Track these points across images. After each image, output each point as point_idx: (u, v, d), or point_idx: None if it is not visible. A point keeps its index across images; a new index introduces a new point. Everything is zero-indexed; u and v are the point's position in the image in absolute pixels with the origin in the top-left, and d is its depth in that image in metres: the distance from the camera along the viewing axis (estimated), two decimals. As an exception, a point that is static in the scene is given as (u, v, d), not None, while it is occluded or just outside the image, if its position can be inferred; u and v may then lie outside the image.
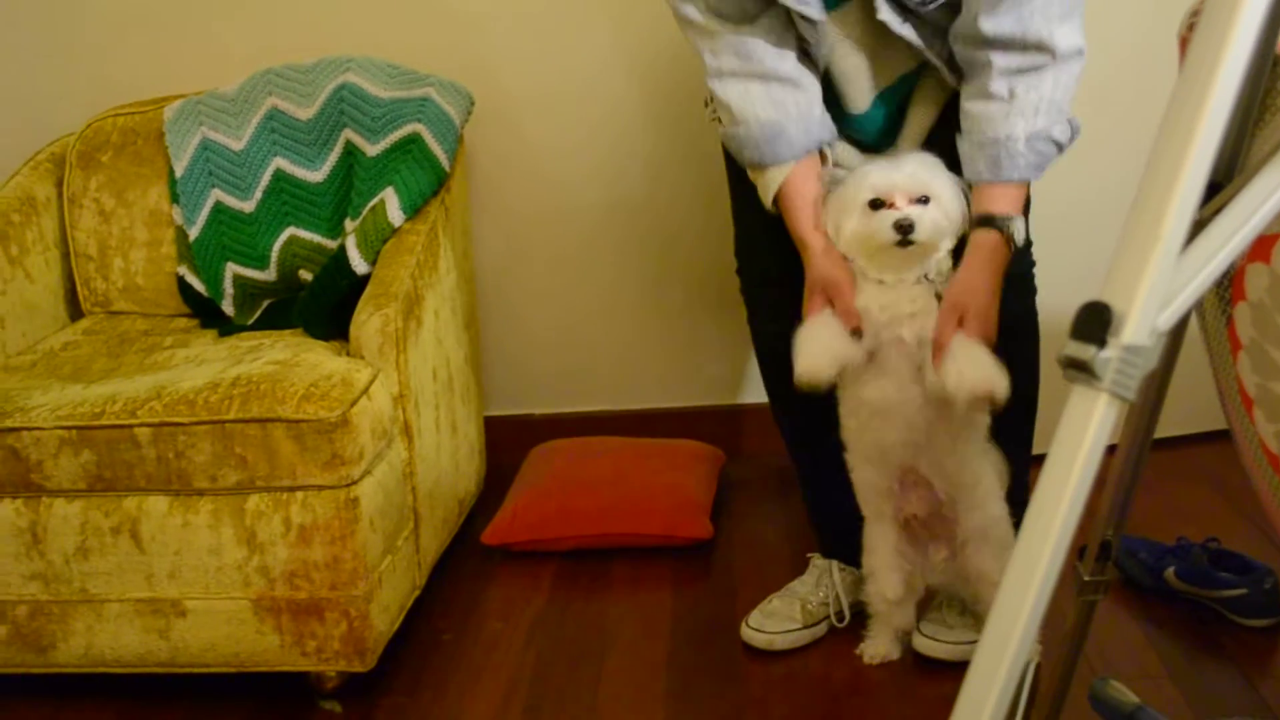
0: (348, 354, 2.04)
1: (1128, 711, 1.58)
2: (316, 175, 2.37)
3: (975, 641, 0.94)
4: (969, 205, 1.73)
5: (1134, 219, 0.88)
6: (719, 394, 2.78)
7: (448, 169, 2.28)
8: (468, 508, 2.46)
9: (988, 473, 1.81)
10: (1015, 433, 1.89)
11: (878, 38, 1.74)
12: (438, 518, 2.22)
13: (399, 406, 2.03)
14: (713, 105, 1.85)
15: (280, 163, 2.38)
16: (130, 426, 1.84)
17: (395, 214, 2.19)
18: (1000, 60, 1.67)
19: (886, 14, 1.69)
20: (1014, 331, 1.81)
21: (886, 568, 1.87)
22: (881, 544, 1.87)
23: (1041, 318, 1.94)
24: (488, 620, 2.16)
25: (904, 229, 1.67)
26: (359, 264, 2.17)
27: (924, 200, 1.70)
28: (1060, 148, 1.71)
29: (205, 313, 2.43)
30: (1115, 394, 0.86)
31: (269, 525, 1.85)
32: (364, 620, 1.88)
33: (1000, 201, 1.71)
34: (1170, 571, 2.02)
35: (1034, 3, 1.63)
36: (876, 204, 1.70)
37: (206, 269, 2.39)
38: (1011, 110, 1.68)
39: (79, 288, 2.49)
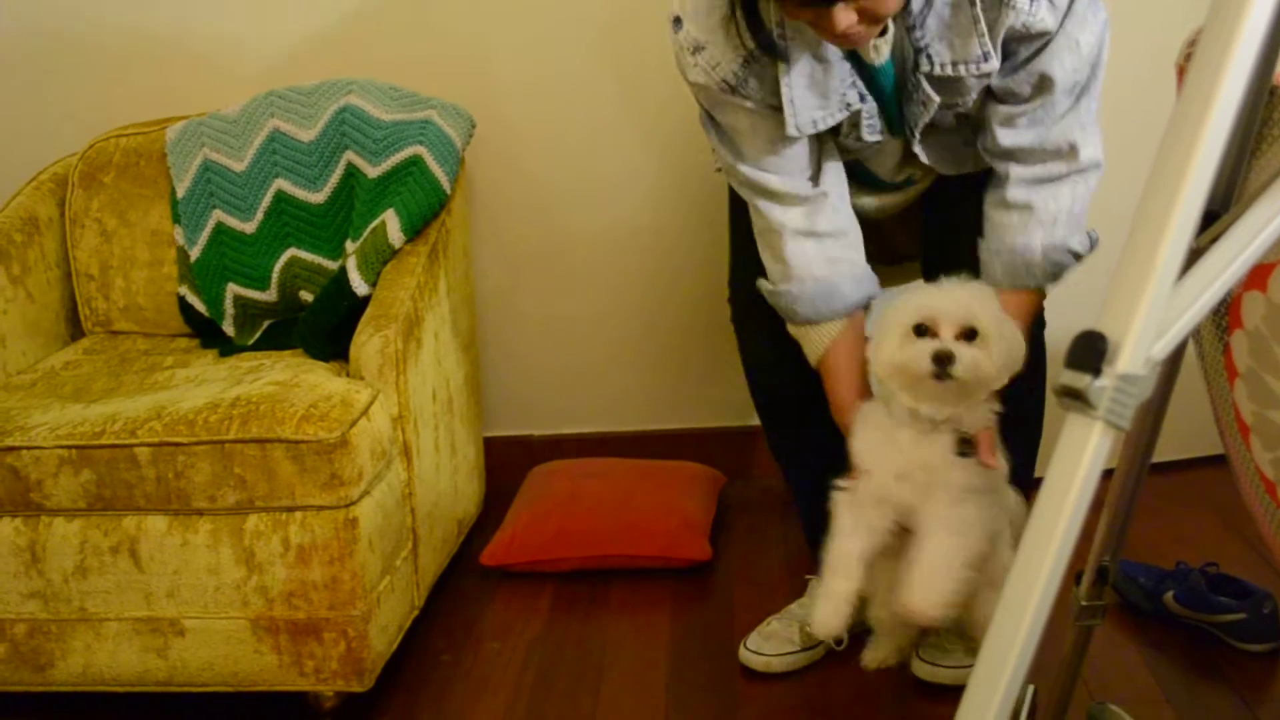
0: (348, 375, 2.04)
1: (1125, 737, 1.58)
2: (317, 197, 2.37)
3: (972, 666, 0.94)
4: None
5: (1130, 248, 0.88)
6: (718, 416, 2.78)
7: (448, 191, 2.28)
8: (466, 528, 2.46)
9: (985, 518, 1.68)
10: (1021, 458, 1.88)
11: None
12: (436, 538, 2.22)
13: (398, 427, 2.03)
14: (717, 158, 1.86)
15: (281, 184, 2.39)
16: (130, 446, 1.84)
17: (396, 236, 2.20)
18: (1018, 170, 1.72)
19: (916, 147, 1.76)
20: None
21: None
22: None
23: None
24: (486, 641, 2.16)
25: (942, 360, 1.54)
26: (359, 285, 2.18)
27: (970, 333, 1.57)
28: (1078, 258, 1.73)
29: (206, 333, 2.43)
30: (1110, 423, 0.86)
31: (268, 545, 1.85)
32: (362, 640, 1.88)
33: (1009, 308, 1.66)
34: (1169, 596, 2.02)
35: (1052, 116, 1.67)
36: (920, 330, 1.58)
37: (207, 289, 2.40)
38: (1030, 220, 1.70)
39: (80, 307, 2.50)
